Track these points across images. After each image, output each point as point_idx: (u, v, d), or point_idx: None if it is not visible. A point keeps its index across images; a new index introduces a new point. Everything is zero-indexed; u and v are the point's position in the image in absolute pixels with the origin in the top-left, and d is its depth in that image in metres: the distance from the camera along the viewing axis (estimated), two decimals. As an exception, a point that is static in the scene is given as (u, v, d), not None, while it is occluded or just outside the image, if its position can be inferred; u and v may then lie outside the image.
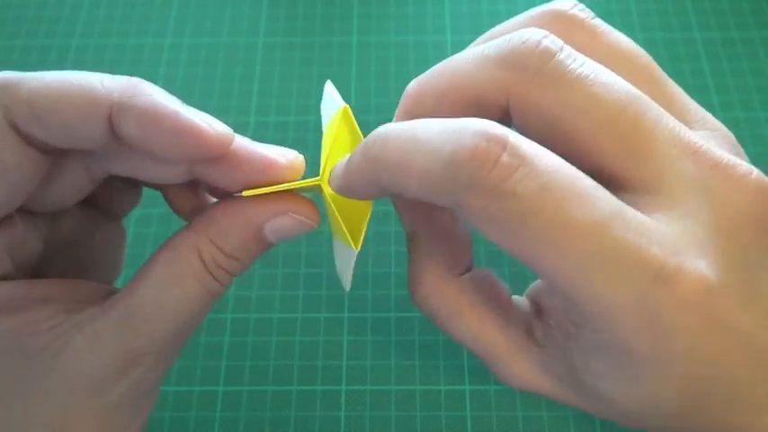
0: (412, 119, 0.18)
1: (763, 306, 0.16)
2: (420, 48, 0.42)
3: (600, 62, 0.18)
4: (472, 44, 0.20)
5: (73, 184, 0.20)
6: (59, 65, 0.42)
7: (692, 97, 0.20)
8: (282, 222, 0.20)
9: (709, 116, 0.19)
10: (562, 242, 0.15)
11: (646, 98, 0.17)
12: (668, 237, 0.15)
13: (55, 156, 0.19)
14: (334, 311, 0.34)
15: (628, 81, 0.17)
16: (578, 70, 0.17)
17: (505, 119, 0.18)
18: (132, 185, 0.23)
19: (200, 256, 0.19)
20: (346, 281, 0.20)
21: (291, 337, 0.33)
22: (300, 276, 0.34)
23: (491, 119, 0.18)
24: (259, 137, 0.34)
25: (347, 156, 0.18)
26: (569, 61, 0.17)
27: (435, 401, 0.31)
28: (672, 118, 0.17)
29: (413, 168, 0.16)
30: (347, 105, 0.21)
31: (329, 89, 0.22)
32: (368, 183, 0.17)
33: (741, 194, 0.16)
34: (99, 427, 0.19)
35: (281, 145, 0.20)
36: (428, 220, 0.21)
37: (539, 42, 0.17)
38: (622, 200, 0.16)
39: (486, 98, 0.18)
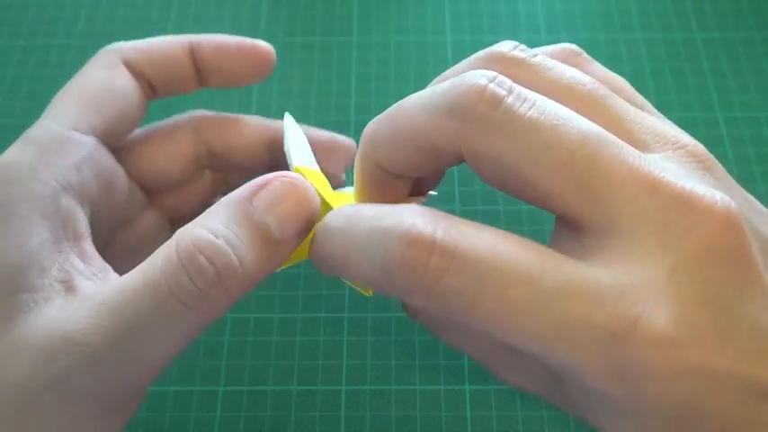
0: (370, 164, 0.19)
1: (743, 337, 0.15)
2: (420, 48, 0.42)
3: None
4: (431, 83, 0.20)
5: (179, 153, 0.26)
6: (59, 65, 0.42)
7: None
8: (270, 190, 0.17)
9: (671, 131, 0.18)
10: (510, 324, 0.15)
11: (602, 134, 0.16)
12: (623, 291, 0.15)
13: (155, 96, 0.25)
14: (334, 311, 0.33)
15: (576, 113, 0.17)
16: (527, 114, 0.16)
17: (462, 163, 0.18)
18: None
19: (176, 241, 0.17)
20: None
21: (291, 337, 0.33)
22: (300, 276, 0.34)
23: (447, 165, 0.18)
24: (259, 137, 0.34)
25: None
26: (517, 105, 0.16)
27: (435, 401, 0.31)
28: (631, 150, 0.16)
29: (352, 269, 0.17)
30: (297, 166, 0.20)
31: (288, 123, 0.22)
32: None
33: (705, 227, 0.15)
34: (15, 411, 0.16)
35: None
36: None
37: (485, 88, 0.16)
38: (584, 244, 0.16)
39: (439, 146, 0.17)
